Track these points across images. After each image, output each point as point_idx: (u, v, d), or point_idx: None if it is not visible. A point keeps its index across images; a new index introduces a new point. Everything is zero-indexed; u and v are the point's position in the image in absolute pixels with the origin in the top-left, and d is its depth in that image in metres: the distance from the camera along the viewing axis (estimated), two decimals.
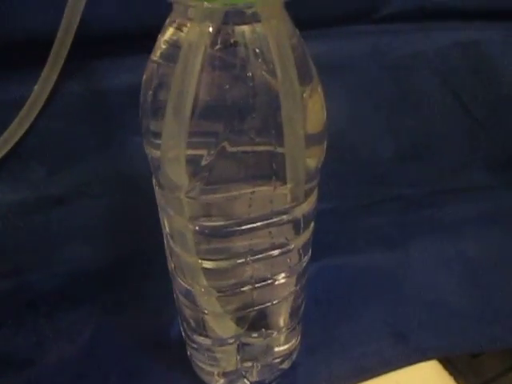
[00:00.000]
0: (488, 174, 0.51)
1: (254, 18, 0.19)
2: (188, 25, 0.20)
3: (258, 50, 0.20)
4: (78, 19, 0.30)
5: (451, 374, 0.37)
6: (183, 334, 0.34)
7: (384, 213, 0.48)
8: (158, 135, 0.21)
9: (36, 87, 0.33)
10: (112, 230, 0.38)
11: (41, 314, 0.39)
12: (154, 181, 0.27)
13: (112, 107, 0.35)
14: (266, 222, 0.24)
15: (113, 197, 0.37)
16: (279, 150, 0.22)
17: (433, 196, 0.49)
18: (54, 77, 0.33)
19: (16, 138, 0.34)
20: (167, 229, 0.26)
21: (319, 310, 0.39)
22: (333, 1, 0.38)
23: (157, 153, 0.22)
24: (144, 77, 0.23)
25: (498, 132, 0.49)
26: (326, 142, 0.24)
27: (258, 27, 0.20)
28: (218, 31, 0.19)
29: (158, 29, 0.32)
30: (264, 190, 0.22)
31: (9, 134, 0.34)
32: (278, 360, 0.34)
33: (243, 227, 0.24)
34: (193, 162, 0.21)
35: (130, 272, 0.40)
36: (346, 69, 0.41)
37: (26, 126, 0.34)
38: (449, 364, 0.37)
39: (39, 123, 0.34)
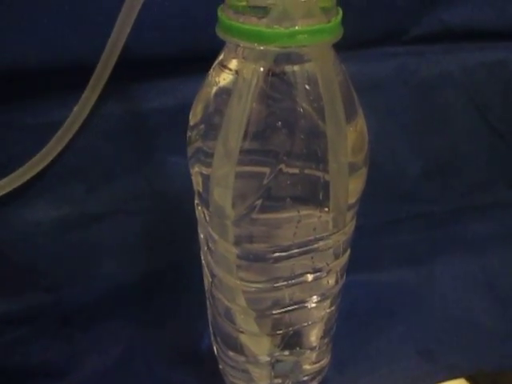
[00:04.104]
0: None
1: (304, 59, 0.20)
2: (242, 62, 0.21)
3: (307, 87, 0.21)
4: (121, 45, 0.31)
5: None
6: (216, 349, 0.35)
7: (410, 230, 0.48)
8: (210, 155, 0.22)
9: (75, 108, 0.34)
10: (147, 246, 0.39)
11: (76, 327, 0.40)
12: (196, 201, 0.28)
13: (149, 128, 0.36)
14: (308, 247, 0.25)
15: (149, 214, 0.38)
16: (326, 177, 0.23)
17: (458, 213, 0.49)
18: (94, 98, 0.34)
19: (52, 156, 0.35)
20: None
21: (347, 326, 0.39)
22: (363, 24, 0.39)
23: (208, 170, 0.23)
24: (199, 104, 0.24)
25: None
26: (366, 174, 0.25)
27: (308, 66, 0.21)
28: (270, 69, 0.20)
29: (195, 54, 0.33)
30: (309, 217, 0.23)
31: (46, 151, 0.35)
32: (308, 377, 0.35)
33: (287, 253, 0.25)
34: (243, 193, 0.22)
35: (162, 287, 0.41)
36: (375, 89, 0.42)
37: (64, 144, 0.35)
38: (472, 381, 0.37)
39: (80, 143, 0.35)
